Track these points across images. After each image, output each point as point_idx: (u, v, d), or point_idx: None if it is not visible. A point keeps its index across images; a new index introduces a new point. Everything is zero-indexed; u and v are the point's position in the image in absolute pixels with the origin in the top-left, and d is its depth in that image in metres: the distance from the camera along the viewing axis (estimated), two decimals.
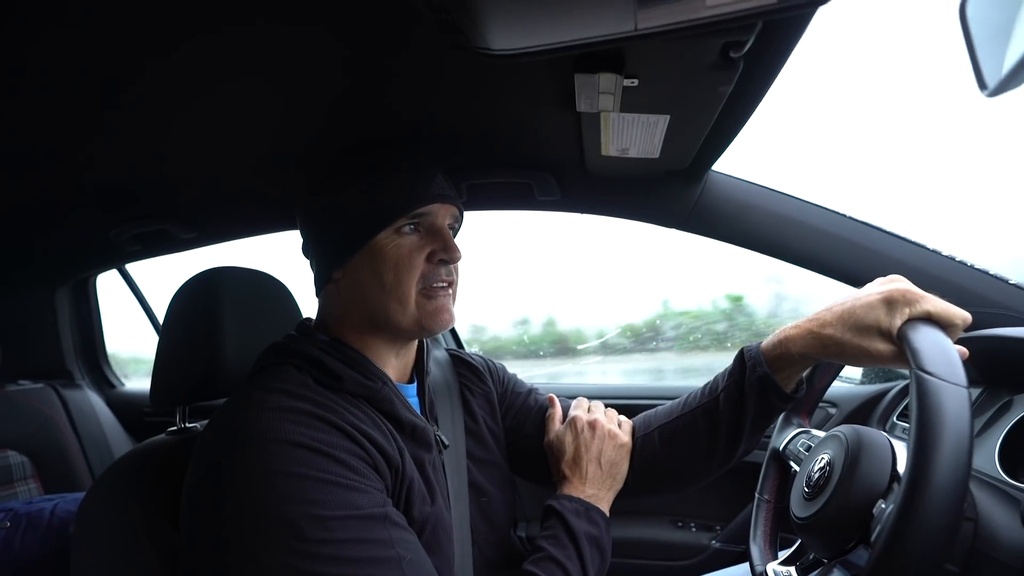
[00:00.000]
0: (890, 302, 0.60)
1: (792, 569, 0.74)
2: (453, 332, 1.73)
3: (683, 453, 0.79)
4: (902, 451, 0.62)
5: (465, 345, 1.78)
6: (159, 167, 0.95)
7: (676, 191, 1.04)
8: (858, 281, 0.71)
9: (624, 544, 1.36)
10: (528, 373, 1.56)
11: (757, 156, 1.09)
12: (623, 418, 0.86)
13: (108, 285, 1.96)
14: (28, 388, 1.70)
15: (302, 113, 0.78)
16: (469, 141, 0.91)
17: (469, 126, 0.86)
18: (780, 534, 0.82)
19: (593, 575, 0.69)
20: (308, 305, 0.82)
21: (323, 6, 0.56)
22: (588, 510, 0.73)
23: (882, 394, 1.18)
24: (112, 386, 1.98)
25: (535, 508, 1.48)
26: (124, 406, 1.90)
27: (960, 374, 0.51)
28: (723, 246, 1.09)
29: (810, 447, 0.76)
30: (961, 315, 0.59)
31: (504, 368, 0.95)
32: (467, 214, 0.78)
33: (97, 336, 1.97)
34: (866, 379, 1.29)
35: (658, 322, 2.25)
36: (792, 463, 0.81)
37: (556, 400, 0.88)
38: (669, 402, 0.84)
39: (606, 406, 0.86)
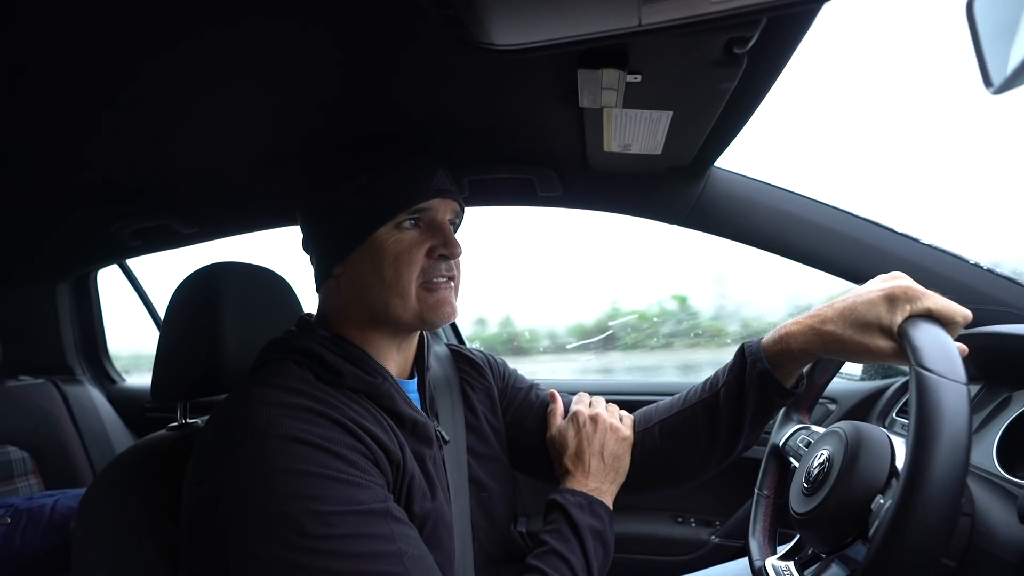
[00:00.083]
0: (891, 299, 0.60)
1: (791, 564, 0.74)
2: (454, 327, 1.73)
3: (683, 448, 0.79)
4: (901, 447, 0.62)
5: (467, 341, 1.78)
6: (160, 165, 0.95)
7: (678, 187, 1.03)
8: (860, 278, 0.71)
9: (624, 539, 1.37)
10: None
11: (760, 153, 1.09)
12: (624, 413, 0.86)
13: (109, 281, 1.96)
14: (29, 384, 1.70)
15: (303, 110, 0.78)
16: (471, 137, 0.91)
17: (472, 122, 0.85)
18: (779, 529, 0.82)
19: (596, 568, 0.69)
20: (309, 300, 0.82)
21: (325, 3, 0.56)
22: (591, 503, 0.73)
23: (882, 390, 1.19)
24: (113, 381, 1.98)
25: (535, 503, 1.48)
26: (125, 402, 1.91)
27: (960, 371, 0.51)
28: (674, 245, 1.09)
29: (810, 443, 0.77)
30: (962, 312, 0.59)
31: (505, 363, 0.95)
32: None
33: (98, 332, 1.98)
34: (866, 375, 1.29)
35: (609, 322, 2.28)
36: (792, 459, 0.81)
37: (557, 395, 0.89)
38: (669, 398, 0.85)
39: (607, 401, 0.87)
